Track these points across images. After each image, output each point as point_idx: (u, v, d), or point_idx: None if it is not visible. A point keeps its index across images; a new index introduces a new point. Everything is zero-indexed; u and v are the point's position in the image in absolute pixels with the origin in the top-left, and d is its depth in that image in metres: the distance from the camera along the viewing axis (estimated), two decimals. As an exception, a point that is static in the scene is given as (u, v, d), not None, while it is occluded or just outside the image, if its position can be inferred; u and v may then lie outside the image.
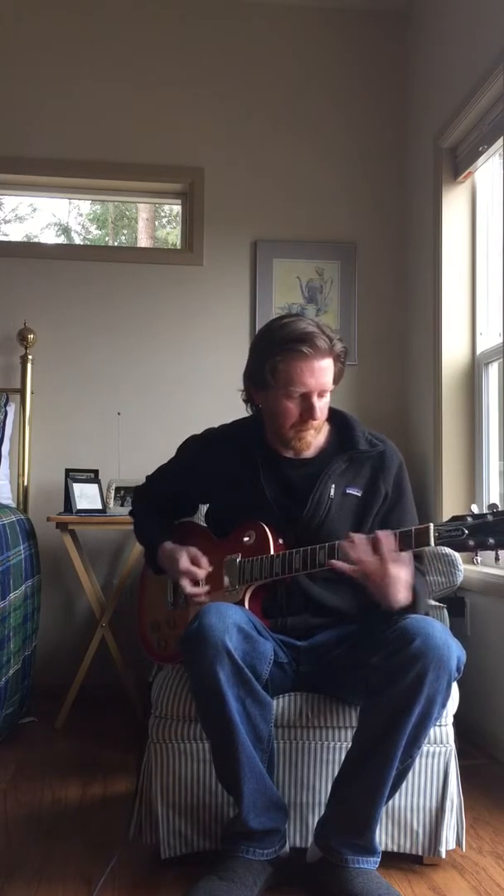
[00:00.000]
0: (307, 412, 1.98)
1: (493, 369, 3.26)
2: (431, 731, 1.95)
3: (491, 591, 2.84)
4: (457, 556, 2.73)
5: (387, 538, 1.79)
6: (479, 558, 1.78)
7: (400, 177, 3.85)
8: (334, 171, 3.82)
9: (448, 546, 1.77)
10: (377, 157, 3.85)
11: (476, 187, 3.40)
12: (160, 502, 2.25)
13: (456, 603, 3.00)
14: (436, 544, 1.76)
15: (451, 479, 3.33)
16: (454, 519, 1.78)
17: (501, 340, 3.10)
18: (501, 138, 2.98)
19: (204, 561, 2.05)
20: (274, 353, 1.96)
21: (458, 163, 3.37)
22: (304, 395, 1.96)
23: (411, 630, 1.77)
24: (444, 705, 1.79)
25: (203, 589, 2.03)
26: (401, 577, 1.80)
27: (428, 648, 1.74)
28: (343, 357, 2.01)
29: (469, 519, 1.75)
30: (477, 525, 1.74)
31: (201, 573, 2.03)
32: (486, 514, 1.75)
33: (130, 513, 2.36)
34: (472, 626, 3.00)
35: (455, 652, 1.77)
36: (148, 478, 2.32)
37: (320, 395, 1.97)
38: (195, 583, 2.03)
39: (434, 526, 1.77)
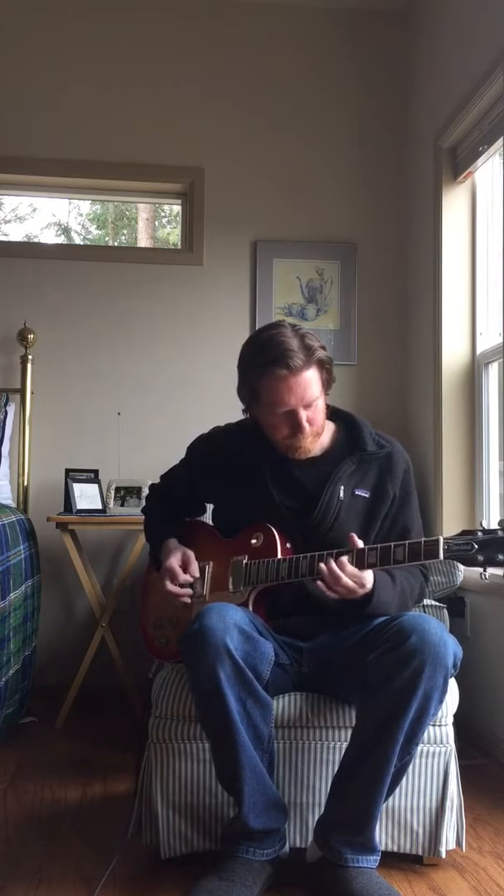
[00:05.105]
0: (295, 427, 1.98)
1: (493, 369, 3.26)
2: (431, 731, 1.96)
3: (491, 591, 2.84)
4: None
5: (343, 571, 1.83)
6: (486, 574, 1.77)
7: (400, 177, 3.85)
8: (334, 171, 3.82)
9: (457, 560, 1.76)
10: (377, 157, 3.85)
11: (476, 187, 3.40)
12: (171, 501, 2.27)
13: (456, 603, 3.00)
14: (444, 558, 1.75)
15: (452, 479, 3.33)
16: (464, 533, 1.77)
17: (501, 340, 3.10)
18: (501, 138, 2.98)
19: (193, 567, 2.08)
20: (253, 374, 1.97)
21: (458, 163, 3.37)
22: (289, 411, 1.96)
23: (407, 627, 1.78)
24: (440, 701, 1.79)
25: (185, 591, 2.05)
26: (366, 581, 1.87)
27: (424, 645, 1.74)
28: (328, 363, 2.00)
29: (479, 534, 1.74)
30: (487, 540, 1.73)
31: (183, 577, 2.05)
32: (496, 529, 1.74)
33: (142, 510, 2.38)
34: (472, 626, 3.00)
35: (451, 648, 1.78)
36: (161, 477, 2.33)
37: (306, 406, 1.96)
38: (175, 583, 2.05)
39: (444, 539, 1.76)
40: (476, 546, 1.73)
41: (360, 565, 1.83)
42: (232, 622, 1.78)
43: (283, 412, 1.96)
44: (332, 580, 1.82)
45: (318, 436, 2.04)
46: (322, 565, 1.83)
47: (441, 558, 1.75)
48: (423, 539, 1.80)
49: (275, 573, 1.93)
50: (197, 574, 2.07)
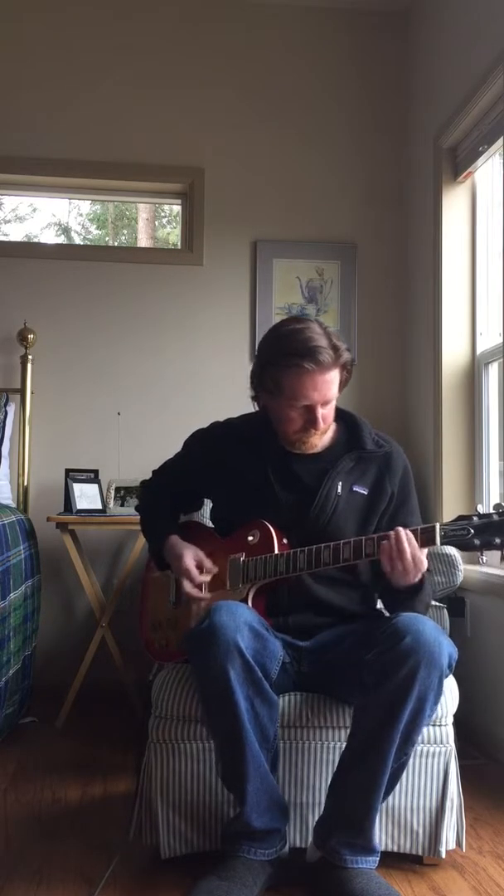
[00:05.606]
0: (310, 422, 1.99)
1: (493, 369, 3.26)
2: (431, 731, 1.96)
3: (491, 591, 2.84)
4: (457, 555, 2.73)
5: (409, 538, 1.82)
6: (484, 558, 1.79)
7: (400, 177, 3.85)
8: (334, 171, 3.82)
9: (454, 545, 1.78)
10: (377, 157, 3.85)
11: (476, 187, 3.40)
12: (166, 497, 2.25)
13: (456, 603, 3.00)
14: (441, 543, 1.78)
15: (452, 479, 3.33)
16: (460, 518, 1.79)
17: (501, 340, 3.10)
18: (501, 138, 2.98)
19: (208, 564, 2.06)
20: (278, 364, 1.97)
21: (458, 163, 3.37)
22: (308, 406, 1.98)
23: (402, 627, 1.78)
24: (436, 702, 1.80)
25: (204, 594, 2.03)
26: (423, 564, 1.85)
27: (419, 645, 1.75)
28: (349, 365, 2.02)
29: (475, 518, 1.77)
30: (483, 525, 1.75)
31: (200, 578, 2.04)
32: (491, 513, 1.76)
33: (137, 507, 2.37)
34: (472, 626, 3.00)
35: (446, 649, 1.78)
36: (154, 472, 2.32)
37: (324, 404, 1.99)
38: (194, 584, 2.03)
39: (440, 525, 1.78)
40: (472, 531, 1.76)
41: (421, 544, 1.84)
42: (243, 620, 1.79)
43: (301, 406, 1.98)
44: (398, 550, 1.81)
45: (326, 433, 2.07)
46: (395, 532, 1.82)
47: (438, 544, 1.78)
48: (420, 526, 1.83)
49: (273, 569, 1.94)
50: (213, 569, 2.06)
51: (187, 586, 2.03)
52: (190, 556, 2.05)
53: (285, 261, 3.76)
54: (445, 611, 2.73)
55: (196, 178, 3.75)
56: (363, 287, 3.81)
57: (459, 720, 2.07)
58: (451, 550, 2.73)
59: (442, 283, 3.38)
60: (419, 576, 1.86)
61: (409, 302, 3.79)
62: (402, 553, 1.81)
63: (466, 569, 2.85)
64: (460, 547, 1.78)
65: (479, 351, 3.34)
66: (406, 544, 1.81)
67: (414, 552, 1.81)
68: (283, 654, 1.94)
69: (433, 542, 1.79)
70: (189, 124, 3.75)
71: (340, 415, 2.15)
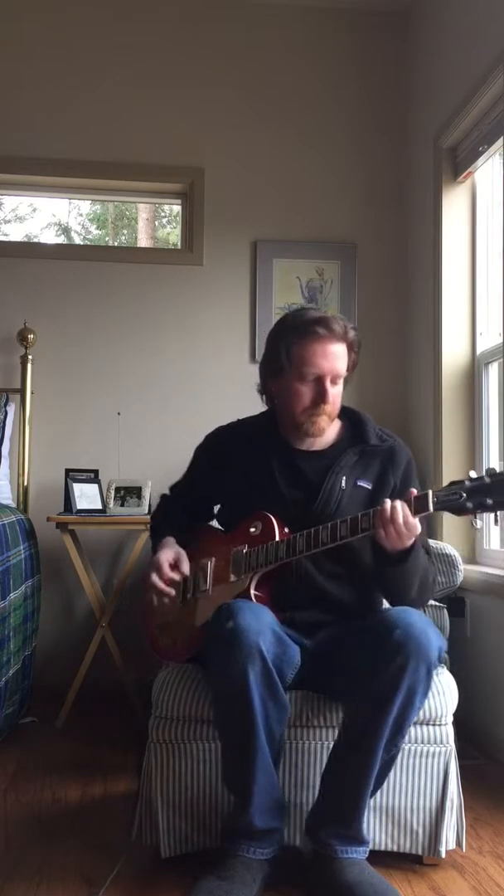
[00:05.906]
0: (320, 396, 2.01)
1: (493, 369, 3.26)
2: (431, 731, 1.96)
3: (491, 591, 2.84)
4: (457, 555, 2.73)
5: (403, 508, 1.83)
6: (479, 521, 1.80)
7: (400, 177, 3.85)
8: (334, 171, 3.82)
9: (447, 510, 1.80)
10: (377, 157, 3.85)
11: (476, 187, 3.40)
12: (176, 508, 2.28)
13: (456, 603, 3.00)
14: (435, 509, 1.81)
15: (451, 479, 3.32)
16: (452, 484, 1.81)
17: (501, 340, 3.11)
18: (501, 138, 2.98)
19: (185, 566, 2.08)
20: (289, 336, 2.02)
21: (458, 163, 3.37)
22: (318, 378, 2.00)
23: (392, 621, 1.81)
24: (425, 694, 1.81)
25: (169, 590, 2.04)
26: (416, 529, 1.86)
27: (408, 638, 1.77)
28: (357, 347, 2.06)
29: (467, 483, 1.79)
30: (475, 487, 1.77)
31: (168, 574, 2.05)
32: (483, 476, 1.78)
33: (151, 516, 2.39)
34: (472, 626, 3.00)
35: (435, 642, 1.80)
36: (170, 488, 2.35)
37: (333, 381, 2.02)
38: (162, 578, 2.05)
39: (433, 492, 1.81)
40: (464, 494, 1.77)
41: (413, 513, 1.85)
42: (266, 623, 1.80)
43: (311, 378, 2.00)
44: (392, 517, 1.81)
45: (333, 419, 2.08)
46: (388, 500, 1.83)
47: (431, 510, 1.80)
48: (413, 496, 1.84)
49: (274, 555, 1.95)
50: (187, 573, 2.08)
51: (153, 578, 2.04)
52: (168, 553, 2.08)
53: (285, 261, 3.76)
54: (445, 611, 2.73)
55: (196, 178, 3.75)
56: (363, 287, 3.81)
57: (459, 720, 2.07)
58: (450, 550, 2.73)
59: (442, 283, 3.38)
60: (412, 539, 1.86)
61: (409, 302, 3.79)
62: (395, 520, 1.81)
63: (466, 569, 2.85)
64: (454, 511, 1.79)
65: (479, 351, 3.34)
66: (399, 512, 1.81)
67: (406, 517, 1.82)
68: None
69: (426, 509, 1.80)
70: (189, 124, 3.75)
71: (344, 412, 2.16)
